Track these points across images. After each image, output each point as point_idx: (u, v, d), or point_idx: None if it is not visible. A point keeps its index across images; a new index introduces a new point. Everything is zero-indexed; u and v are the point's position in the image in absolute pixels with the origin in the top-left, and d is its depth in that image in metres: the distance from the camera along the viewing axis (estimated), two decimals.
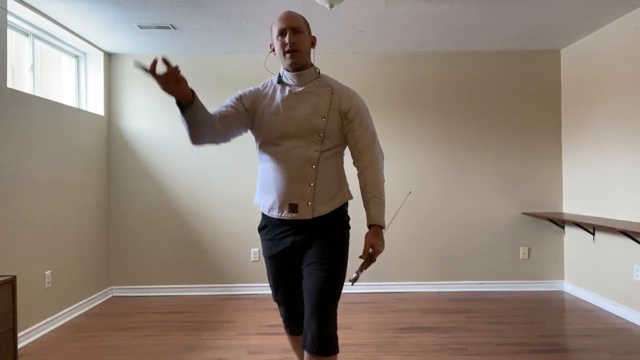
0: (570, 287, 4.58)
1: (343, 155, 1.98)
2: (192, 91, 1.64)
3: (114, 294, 4.67)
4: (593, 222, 3.68)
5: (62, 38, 4.08)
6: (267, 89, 1.94)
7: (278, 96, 1.89)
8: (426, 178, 4.75)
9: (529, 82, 4.75)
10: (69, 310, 3.90)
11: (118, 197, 4.69)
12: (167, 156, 4.70)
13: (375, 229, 1.83)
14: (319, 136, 1.83)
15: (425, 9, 3.59)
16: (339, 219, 1.91)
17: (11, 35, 3.55)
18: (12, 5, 3.33)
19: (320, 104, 1.86)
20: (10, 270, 3.17)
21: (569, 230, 4.59)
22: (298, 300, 1.99)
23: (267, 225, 1.95)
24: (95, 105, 4.58)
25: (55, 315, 3.71)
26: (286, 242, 1.90)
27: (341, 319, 3.82)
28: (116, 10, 3.55)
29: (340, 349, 3.11)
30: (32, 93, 3.72)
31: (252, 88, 1.96)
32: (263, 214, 1.96)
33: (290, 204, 1.83)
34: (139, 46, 4.44)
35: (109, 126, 4.69)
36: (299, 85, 1.89)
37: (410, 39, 4.32)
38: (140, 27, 3.92)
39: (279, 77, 1.93)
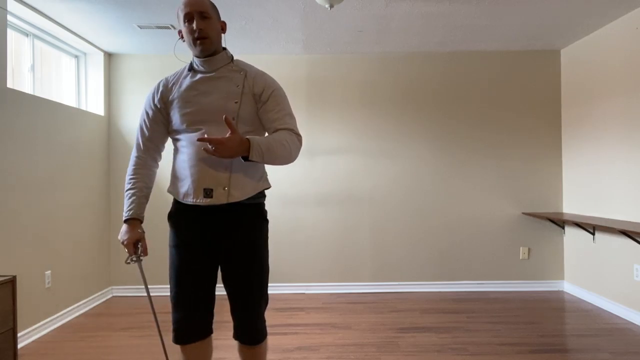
0: (570, 287, 4.58)
1: None
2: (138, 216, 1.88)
3: (114, 294, 4.67)
4: (593, 222, 3.67)
5: (62, 38, 4.08)
6: (177, 77, 1.90)
7: (188, 83, 1.84)
8: (426, 178, 4.75)
9: (529, 82, 4.75)
10: (69, 310, 3.90)
11: (118, 197, 4.69)
12: (166, 156, 4.70)
13: (245, 141, 1.67)
14: (232, 120, 1.78)
15: (425, 9, 3.59)
16: (257, 213, 1.88)
17: (11, 35, 3.55)
18: (12, 5, 3.33)
19: (232, 88, 1.81)
20: (10, 270, 3.17)
21: (569, 230, 4.59)
22: (201, 301, 1.87)
23: (179, 212, 1.87)
24: (95, 105, 4.58)
25: (55, 315, 3.71)
26: (199, 230, 1.83)
27: (341, 318, 3.82)
28: (116, 10, 3.55)
29: (340, 349, 3.13)
30: (32, 93, 3.72)
31: (161, 81, 1.92)
32: (176, 202, 1.89)
33: (205, 189, 1.77)
34: (139, 46, 4.44)
35: (109, 126, 4.69)
36: (210, 71, 1.84)
37: (410, 39, 4.32)
38: (140, 27, 3.92)
39: (191, 64, 1.89)
